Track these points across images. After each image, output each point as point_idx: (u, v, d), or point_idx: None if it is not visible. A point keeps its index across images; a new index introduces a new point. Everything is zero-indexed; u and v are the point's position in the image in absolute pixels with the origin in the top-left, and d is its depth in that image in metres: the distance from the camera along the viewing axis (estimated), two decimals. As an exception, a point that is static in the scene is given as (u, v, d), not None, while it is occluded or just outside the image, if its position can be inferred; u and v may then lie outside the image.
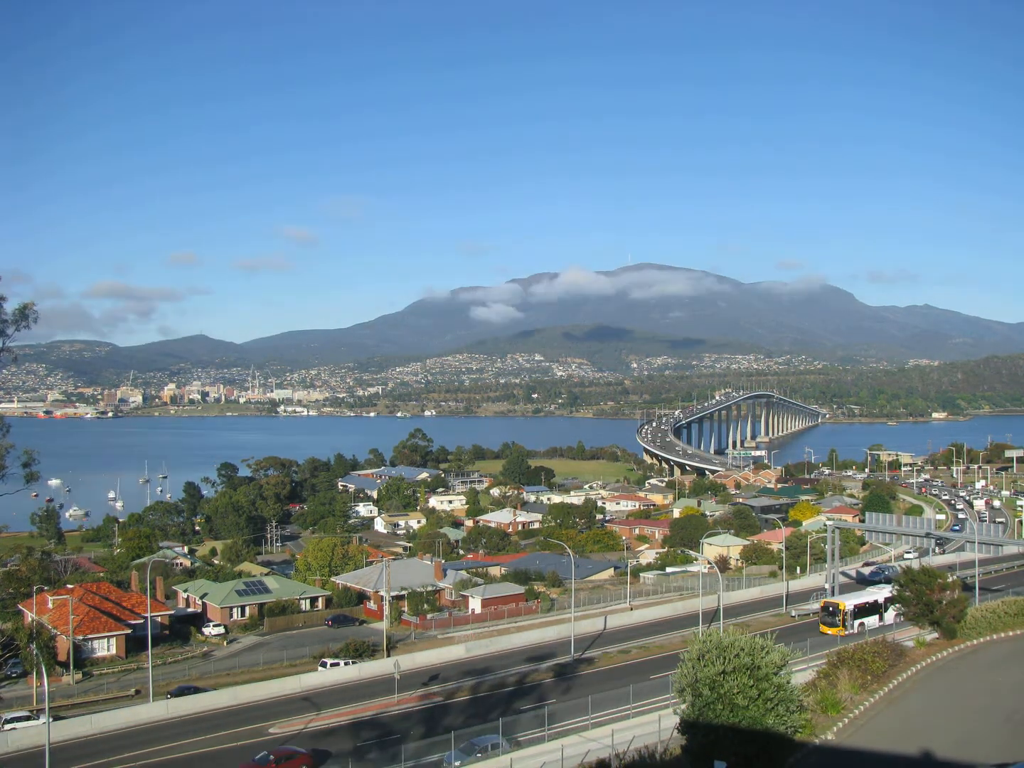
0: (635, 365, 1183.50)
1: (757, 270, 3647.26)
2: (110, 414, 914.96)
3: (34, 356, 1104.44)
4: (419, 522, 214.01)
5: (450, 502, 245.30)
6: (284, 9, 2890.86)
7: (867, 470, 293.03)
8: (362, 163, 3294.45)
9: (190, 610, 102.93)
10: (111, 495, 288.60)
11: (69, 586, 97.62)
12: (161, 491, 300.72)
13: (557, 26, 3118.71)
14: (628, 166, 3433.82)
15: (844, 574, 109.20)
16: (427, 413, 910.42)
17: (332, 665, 75.98)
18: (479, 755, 48.04)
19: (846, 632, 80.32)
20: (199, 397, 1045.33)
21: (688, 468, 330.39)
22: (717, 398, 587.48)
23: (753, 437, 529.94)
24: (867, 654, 52.23)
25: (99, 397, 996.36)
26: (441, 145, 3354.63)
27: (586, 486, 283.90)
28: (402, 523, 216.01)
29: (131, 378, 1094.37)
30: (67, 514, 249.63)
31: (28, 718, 63.99)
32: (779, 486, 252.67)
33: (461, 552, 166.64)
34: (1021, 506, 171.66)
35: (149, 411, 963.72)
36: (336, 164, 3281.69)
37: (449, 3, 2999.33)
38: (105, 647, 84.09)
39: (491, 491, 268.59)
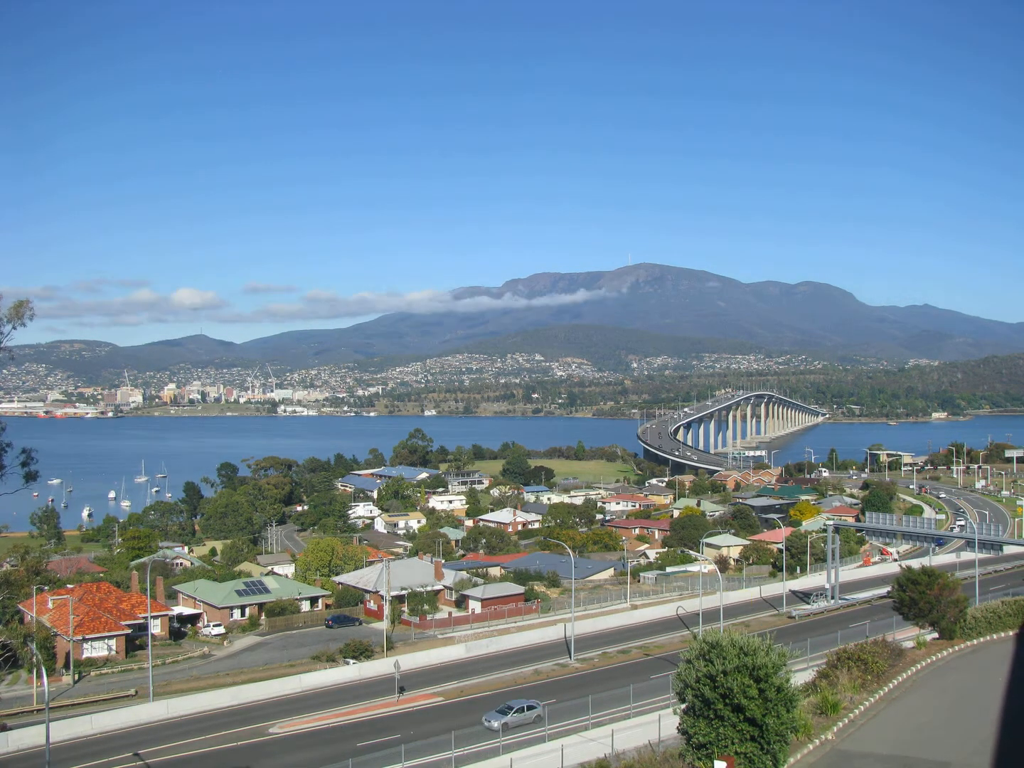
0: (635, 365, 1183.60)
1: (757, 270, 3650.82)
2: (110, 414, 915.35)
3: (34, 356, 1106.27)
4: (419, 522, 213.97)
5: (450, 502, 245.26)
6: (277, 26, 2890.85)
7: (867, 470, 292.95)
8: (362, 166, 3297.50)
9: (190, 610, 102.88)
10: (112, 495, 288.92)
11: (69, 586, 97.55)
12: (157, 491, 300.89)
13: (557, 27, 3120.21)
14: (629, 166, 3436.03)
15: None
16: (427, 413, 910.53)
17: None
18: (516, 714, 57.90)
19: None
20: (199, 397, 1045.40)
21: (688, 468, 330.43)
22: (717, 398, 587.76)
23: (753, 437, 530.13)
24: (867, 654, 52.21)
25: (99, 397, 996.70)
26: (441, 145, 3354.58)
27: (586, 486, 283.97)
28: (402, 523, 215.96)
29: (131, 378, 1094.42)
30: (84, 513, 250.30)
31: None
32: (779, 486, 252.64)
33: (461, 552, 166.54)
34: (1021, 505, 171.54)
35: (149, 411, 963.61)
36: (335, 169, 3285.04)
37: (450, 3, 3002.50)
38: (105, 647, 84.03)
39: (491, 491, 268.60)
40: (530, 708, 58.89)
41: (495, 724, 56.52)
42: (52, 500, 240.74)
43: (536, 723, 56.81)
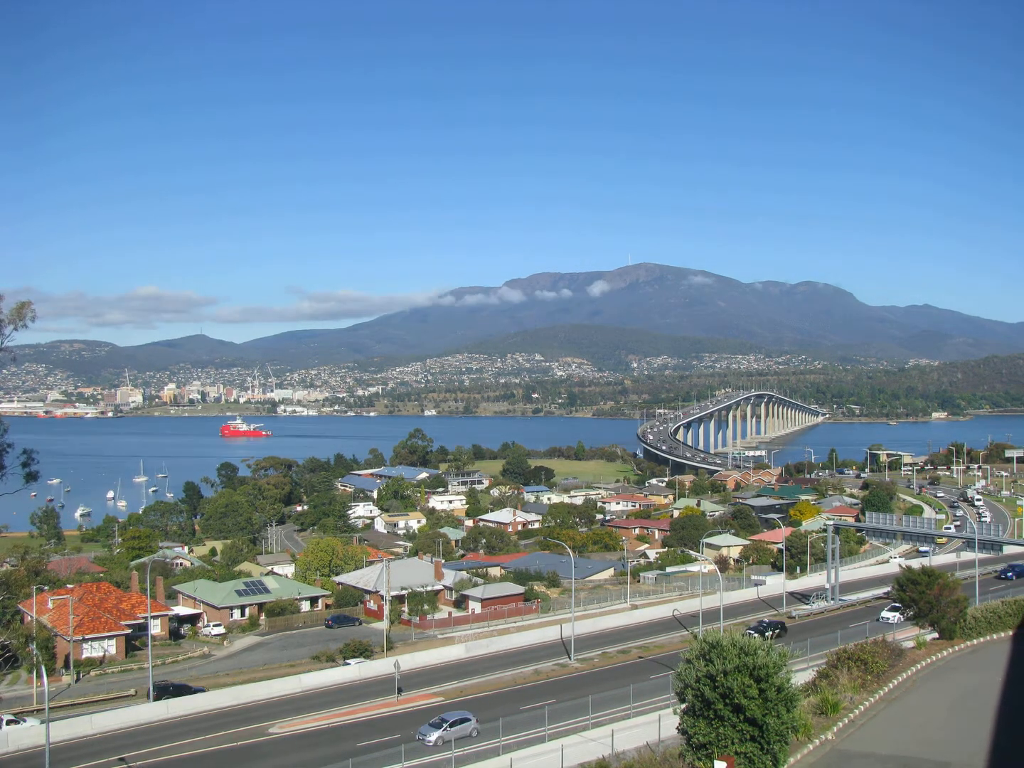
0: (635, 365, 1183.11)
1: (757, 270, 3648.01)
2: (110, 414, 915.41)
3: (34, 356, 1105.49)
4: (419, 522, 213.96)
5: (450, 502, 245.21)
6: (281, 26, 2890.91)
7: (867, 470, 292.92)
8: (362, 167, 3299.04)
9: (190, 610, 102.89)
10: (110, 495, 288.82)
11: (69, 586, 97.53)
12: (156, 491, 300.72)
13: (558, 31, 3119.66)
14: (628, 166, 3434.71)
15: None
16: (427, 413, 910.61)
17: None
18: (450, 727, 55.04)
19: None
20: (199, 397, 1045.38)
21: (688, 468, 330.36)
22: (717, 398, 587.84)
23: (754, 437, 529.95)
24: (867, 654, 52.22)
25: (99, 397, 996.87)
26: (442, 146, 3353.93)
27: (586, 486, 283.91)
28: (402, 523, 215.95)
29: (131, 378, 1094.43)
30: (76, 514, 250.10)
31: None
32: (779, 486, 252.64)
33: (461, 552, 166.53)
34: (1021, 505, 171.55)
35: (149, 411, 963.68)
36: (336, 170, 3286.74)
37: (452, 5, 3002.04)
38: (104, 647, 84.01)
39: (491, 491, 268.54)
40: (464, 721, 56.42)
41: (431, 738, 54.51)
42: (51, 500, 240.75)
43: (473, 736, 54.99)
